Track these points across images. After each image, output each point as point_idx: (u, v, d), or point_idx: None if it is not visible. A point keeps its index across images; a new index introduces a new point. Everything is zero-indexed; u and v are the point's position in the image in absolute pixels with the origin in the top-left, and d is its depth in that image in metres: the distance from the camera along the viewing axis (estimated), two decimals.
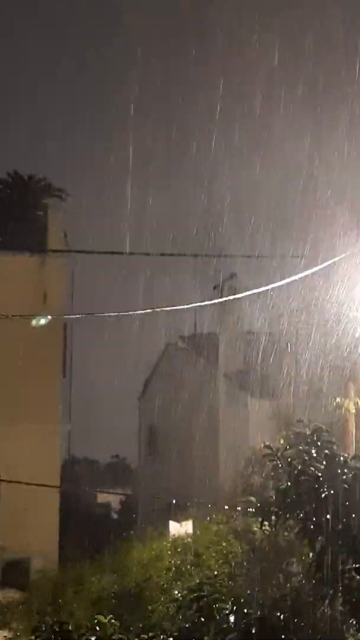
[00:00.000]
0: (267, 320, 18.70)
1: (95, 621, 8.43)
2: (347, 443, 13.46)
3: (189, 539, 14.78)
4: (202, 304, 14.88)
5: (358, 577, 7.53)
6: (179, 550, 14.09)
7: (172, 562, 13.53)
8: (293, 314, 17.53)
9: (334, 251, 15.00)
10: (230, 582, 9.90)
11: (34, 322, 16.49)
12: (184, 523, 16.36)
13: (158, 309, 15.12)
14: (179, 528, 16.26)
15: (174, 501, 18.95)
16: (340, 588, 7.77)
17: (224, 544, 13.35)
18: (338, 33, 15.73)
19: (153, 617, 10.44)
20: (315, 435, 7.59)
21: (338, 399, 14.61)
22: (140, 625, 9.90)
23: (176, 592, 9.59)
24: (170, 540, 14.94)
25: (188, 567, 12.99)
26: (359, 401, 14.22)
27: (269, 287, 14.77)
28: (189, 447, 20.66)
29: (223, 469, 18.75)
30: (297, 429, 7.73)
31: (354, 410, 14.15)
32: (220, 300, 16.71)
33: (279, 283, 14.67)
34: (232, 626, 7.64)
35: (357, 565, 7.55)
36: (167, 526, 16.40)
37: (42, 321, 16.59)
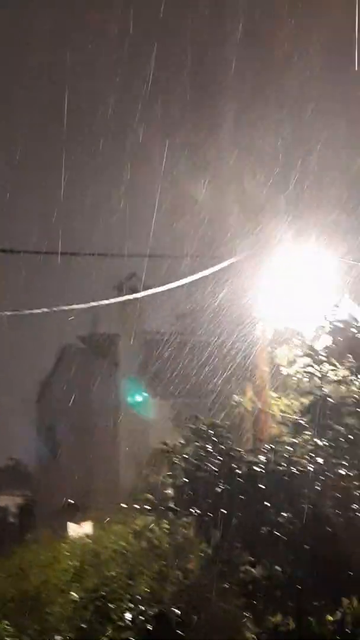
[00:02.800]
0: (168, 321, 18.77)
1: None
2: (245, 440, 13.55)
3: (89, 540, 14.67)
4: (95, 303, 14.72)
5: (253, 570, 7.60)
6: (77, 551, 13.96)
7: (71, 563, 13.39)
8: (194, 315, 17.63)
9: (234, 252, 15.18)
10: (129, 581, 9.83)
11: None
12: (82, 524, 16.21)
13: (51, 309, 14.94)
14: (78, 529, 16.11)
15: (70, 502, 18.78)
16: (236, 582, 7.82)
17: (123, 543, 13.30)
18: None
19: (50, 620, 10.26)
20: (210, 430, 7.61)
21: (236, 398, 14.72)
22: (38, 628, 9.74)
23: (73, 593, 9.45)
24: (69, 541, 14.78)
25: (86, 568, 12.89)
26: (256, 400, 14.34)
27: (167, 287, 14.81)
28: (89, 448, 20.52)
29: (124, 469, 18.70)
30: (192, 425, 7.75)
31: (250, 409, 14.27)
32: (118, 300, 16.60)
33: (177, 283, 14.73)
34: (129, 624, 7.58)
35: (252, 559, 7.61)
36: (66, 528, 16.21)
37: None
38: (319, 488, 7.64)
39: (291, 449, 8.06)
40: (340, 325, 8.66)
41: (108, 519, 15.38)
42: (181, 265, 15.46)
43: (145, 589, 8.72)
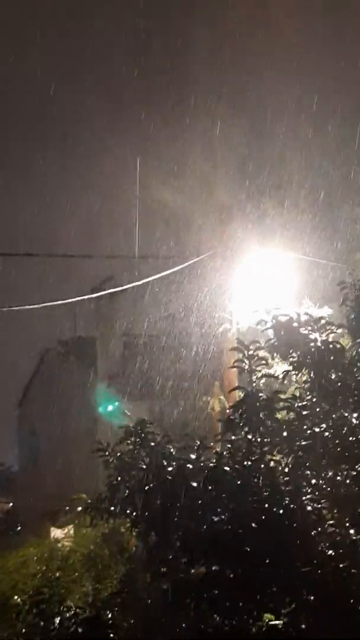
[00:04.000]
0: (142, 323, 18.70)
1: None
2: (215, 439, 13.49)
3: (58, 544, 14.61)
4: (66, 301, 14.65)
5: (192, 570, 7.49)
6: (45, 556, 13.89)
7: (38, 568, 13.33)
8: (166, 316, 17.60)
9: (200, 250, 15.15)
10: (72, 584, 9.74)
11: None
12: (66, 528, 16.13)
13: (26, 307, 14.87)
14: (61, 533, 16.01)
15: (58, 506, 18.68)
16: (171, 583, 7.71)
17: (91, 547, 13.22)
18: None
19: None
20: (139, 428, 7.52)
21: (205, 398, 14.70)
22: None
23: (16, 597, 9.36)
24: (39, 546, 14.71)
25: (52, 572, 12.82)
26: (223, 399, 14.28)
27: (131, 285, 14.75)
28: (69, 452, 20.44)
29: (103, 472, 18.62)
30: (124, 422, 7.66)
31: (218, 409, 14.22)
32: (90, 296, 16.51)
33: (142, 281, 14.68)
34: (58, 627, 7.49)
35: (185, 560, 7.50)
36: (49, 532, 16.11)
37: None
38: (252, 485, 7.52)
39: (229, 445, 7.94)
40: (284, 319, 8.52)
41: (76, 522, 15.35)
42: (151, 266, 15.43)
43: (85, 592, 8.63)
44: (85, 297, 15.08)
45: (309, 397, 8.28)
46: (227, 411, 12.00)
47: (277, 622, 7.51)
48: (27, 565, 14.19)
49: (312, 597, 7.15)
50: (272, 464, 7.66)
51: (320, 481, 7.86)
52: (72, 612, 8.11)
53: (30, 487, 22.77)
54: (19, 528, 21.12)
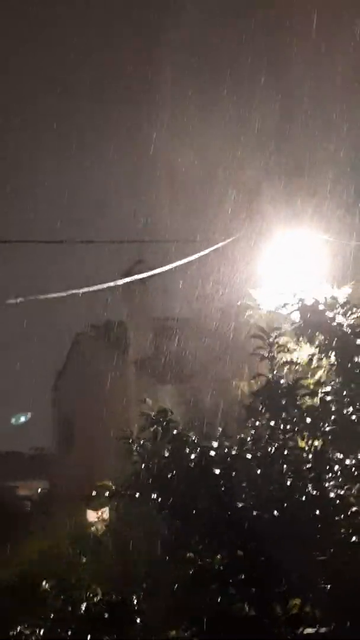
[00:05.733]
0: (173, 306, 18.73)
1: None
2: (238, 426, 13.46)
3: (92, 527, 14.75)
4: (101, 286, 14.68)
5: (208, 560, 7.53)
6: (77, 539, 14.04)
7: (70, 551, 13.48)
8: (196, 299, 17.58)
9: (228, 234, 15.07)
10: (103, 568, 9.85)
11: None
12: (101, 511, 16.28)
13: (57, 295, 14.96)
14: (96, 516, 16.18)
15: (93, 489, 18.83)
16: (196, 568, 7.76)
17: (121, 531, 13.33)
18: None
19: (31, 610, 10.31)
20: (160, 417, 7.55)
21: (235, 382, 14.63)
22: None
23: (44, 582, 9.49)
24: (73, 530, 14.87)
25: (84, 556, 12.96)
26: (252, 383, 14.22)
27: (161, 270, 14.75)
28: (102, 436, 20.59)
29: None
30: (144, 410, 7.70)
31: (247, 393, 14.15)
32: (122, 281, 16.55)
33: (171, 265, 14.67)
34: (84, 612, 7.60)
35: (209, 546, 7.54)
36: (85, 515, 16.30)
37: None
38: (275, 472, 7.52)
39: (252, 432, 7.94)
40: (310, 303, 8.48)
41: (108, 506, 15.49)
42: (180, 249, 15.42)
43: (114, 576, 8.73)
44: (115, 283, 15.10)
45: (334, 381, 8.24)
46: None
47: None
48: (59, 548, 14.42)
49: (330, 585, 7.16)
50: (295, 450, 7.66)
51: (345, 466, 7.84)
52: (100, 597, 8.21)
53: (64, 470, 23.01)
54: (54, 511, 21.36)
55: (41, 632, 8.64)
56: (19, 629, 8.75)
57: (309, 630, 7.41)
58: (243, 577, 7.76)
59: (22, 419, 17.97)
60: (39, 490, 24.60)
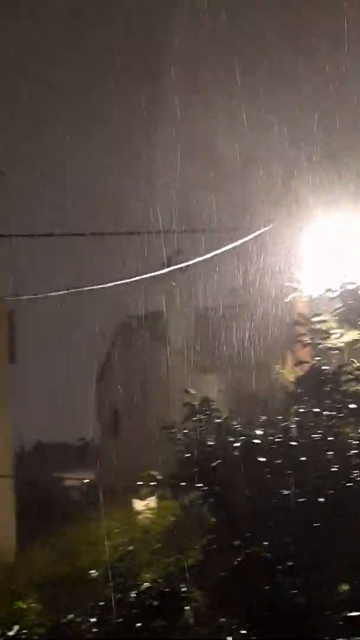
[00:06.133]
0: (212, 295, 18.71)
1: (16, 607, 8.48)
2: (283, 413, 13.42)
3: (138, 516, 14.83)
4: (138, 278, 14.76)
5: (255, 547, 7.55)
6: (125, 528, 14.13)
7: (120, 540, 13.58)
8: (235, 287, 17.54)
9: (268, 221, 15.01)
10: (151, 557, 9.92)
11: None
12: (148, 500, 16.38)
13: (101, 286, 15.08)
14: (143, 505, 16.29)
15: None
16: (244, 556, 7.79)
17: (171, 519, 13.41)
18: None
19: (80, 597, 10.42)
20: (203, 405, 7.58)
21: (277, 369, 14.60)
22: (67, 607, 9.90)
23: (94, 571, 9.58)
24: (121, 518, 14.97)
25: (133, 545, 13.05)
26: (296, 370, 14.17)
27: (200, 258, 14.76)
28: (146, 426, 20.70)
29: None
30: (188, 400, 7.73)
31: (292, 380, 14.12)
32: (161, 272, 16.60)
33: (211, 254, 14.68)
34: (133, 601, 7.67)
35: (247, 535, 7.55)
36: (131, 504, 16.42)
37: None
38: (320, 459, 7.51)
39: (298, 418, 7.94)
40: (352, 288, 8.45)
41: (156, 495, 15.56)
42: (220, 238, 15.40)
43: (162, 565, 8.78)
44: (156, 273, 15.13)
45: None
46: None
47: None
48: (108, 537, 14.53)
49: None
50: (340, 437, 7.64)
51: None
52: (148, 585, 8.28)
53: (110, 460, 23.18)
54: (101, 501, 21.51)
55: (91, 620, 8.73)
56: (69, 617, 8.87)
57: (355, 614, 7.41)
58: (291, 563, 7.78)
59: None
60: (86, 480, 24.81)
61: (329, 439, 7.70)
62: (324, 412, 7.70)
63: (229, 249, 14.80)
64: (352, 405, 7.73)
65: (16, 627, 9.05)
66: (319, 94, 15.88)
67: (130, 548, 10.49)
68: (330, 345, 8.14)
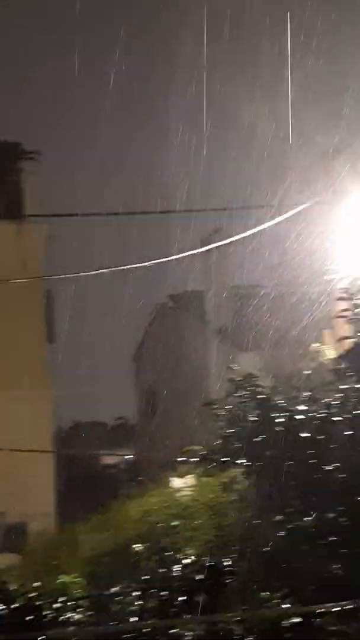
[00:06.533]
0: (249, 274, 18.70)
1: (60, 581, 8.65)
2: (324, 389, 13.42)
3: (179, 493, 14.95)
4: (177, 256, 14.78)
5: (298, 522, 7.60)
6: (166, 505, 14.26)
7: (160, 517, 13.70)
8: (273, 266, 17.51)
9: (303, 200, 14.93)
10: (193, 532, 10.01)
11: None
12: (186, 477, 16.52)
13: (140, 265, 15.13)
14: (181, 482, 16.43)
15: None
16: (287, 531, 7.86)
17: (211, 495, 13.50)
18: None
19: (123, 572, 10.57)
20: (246, 382, 7.63)
21: (315, 346, 14.60)
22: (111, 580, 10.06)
23: (136, 545, 9.71)
24: (161, 495, 15.10)
25: (174, 522, 13.16)
26: (338, 346, 14.16)
27: (238, 237, 14.75)
28: (184, 404, 20.80)
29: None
30: (231, 375, 7.78)
31: (330, 357, 14.11)
32: (198, 251, 16.59)
33: (249, 232, 14.65)
34: (177, 574, 7.77)
35: (291, 510, 7.60)
36: (169, 482, 16.57)
37: None
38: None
39: (342, 394, 7.96)
40: None
41: (196, 471, 15.67)
42: (256, 216, 15.35)
43: (205, 540, 8.87)
44: (194, 251, 15.15)
45: None
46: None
47: None
48: (149, 514, 14.68)
49: None
50: None
51: None
52: (191, 559, 8.38)
53: (149, 438, 23.34)
54: (140, 478, 21.70)
55: (135, 594, 8.85)
56: (113, 589, 9.00)
57: None
58: (334, 538, 7.83)
59: None
60: (125, 458, 25.03)
61: None
62: None
63: (268, 227, 14.75)
64: None
65: (61, 600, 9.20)
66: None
67: (174, 523, 10.58)
68: None
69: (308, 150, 15.32)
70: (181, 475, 16.28)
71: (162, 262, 16.00)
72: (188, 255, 16.75)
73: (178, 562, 8.32)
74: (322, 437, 7.62)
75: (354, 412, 7.70)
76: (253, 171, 16.87)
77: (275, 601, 7.88)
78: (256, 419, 7.66)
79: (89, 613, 8.62)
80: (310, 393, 7.88)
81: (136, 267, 15.38)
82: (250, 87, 16.84)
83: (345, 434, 7.60)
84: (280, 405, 7.70)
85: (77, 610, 9.27)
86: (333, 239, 14.46)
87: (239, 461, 7.91)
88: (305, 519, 7.87)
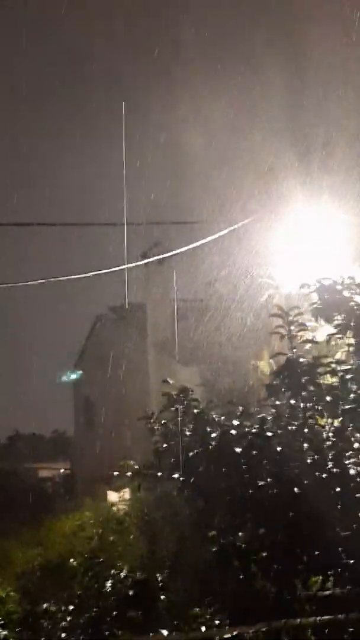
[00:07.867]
0: (190, 288, 18.79)
1: None
2: (258, 405, 13.53)
3: (114, 508, 14.88)
4: (116, 269, 14.76)
5: (230, 538, 7.61)
6: (100, 519, 14.17)
7: (94, 531, 13.61)
8: (213, 281, 17.63)
9: (244, 215, 15.08)
10: (127, 547, 9.98)
11: None
12: (122, 491, 16.44)
13: (80, 276, 15.04)
14: (117, 496, 16.34)
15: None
16: (219, 546, 7.86)
17: (145, 510, 13.46)
18: None
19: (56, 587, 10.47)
20: (182, 396, 7.63)
21: (254, 363, 14.70)
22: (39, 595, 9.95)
23: (72, 560, 9.65)
24: (95, 510, 15.00)
25: (110, 536, 13.09)
26: (272, 363, 14.29)
27: (178, 251, 14.82)
28: (122, 417, 20.73)
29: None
30: (166, 389, 7.78)
31: (267, 373, 14.22)
32: (142, 263, 16.61)
33: (188, 247, 14.73)
34: (110, 590, 7.73)
35: (222, 526, 7.62)
36: (106, 496, 16.46)
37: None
38: (295, 449, 7.59)
39: (274, 410, 8.01)
40: (328, 283, 8.51)
41: (129, 486, 15.61)
42: (196, 231, 15.44)
43: (138, 555, 8.84)
44: (133, 264, 15.15)
45: (353, 360, 8.29)
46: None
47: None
48: (83, 528, 14.57)
49: (352, 561, 7.24)
50: (315, 428, 7.72)
51: None
52: (125, 575, 8.34)
53: (85, 451, 23.19)
54: (76, 492, 21.57)
55: (68, 608, 8.79)
56: (46, 605, 8.92)
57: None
58: (265, 554, 7.85)
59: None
60: (61, 471, 24.85)
61: (305, 430, 7.78)
62: (300, 404, 7.78)
63: (207, 242, 14.86)
64: (327, 398, 7.81)
65: None
66: (297, 88, 15.94)
67: (106, 538, 10.53)
68: (306, 338, 8.21)
69: (249, 166, 15.52)
70: (116, 490, 16.23)
71: (103, 273, 15.98)
72: (128, 268, 16.77)
73: (112, 576, 8.27)
74: (255, 452, 7.65)
75: (288, 428, 7.75)
76: (195, 187, 17.00)
77: (207, 617, 7.89)
78: (190, 433, 7.67)
79: (18, 629, 8.52)
80: (243, 408, 7.91)
81: (77, 278, 15.33)
82: (188, 104, 16.96)
83: (278, 449, 7.64)
84: (215, 419, 7.72)
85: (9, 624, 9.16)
86: (271, 255, 14.61)
87: (173, 475, 7.88)
88: (238, 534, 7.87)
